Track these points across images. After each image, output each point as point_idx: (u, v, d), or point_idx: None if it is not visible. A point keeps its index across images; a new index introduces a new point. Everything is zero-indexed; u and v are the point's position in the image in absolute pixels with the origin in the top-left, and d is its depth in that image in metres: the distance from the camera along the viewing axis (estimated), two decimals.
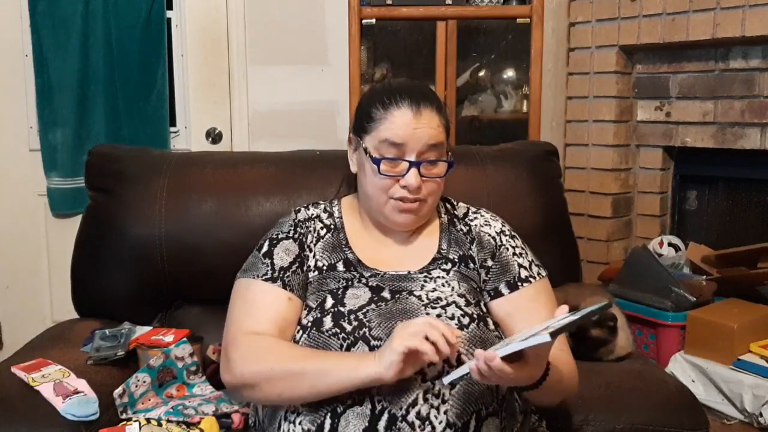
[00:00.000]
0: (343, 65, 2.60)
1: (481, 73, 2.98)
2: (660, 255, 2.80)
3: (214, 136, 2.90)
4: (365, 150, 1.29)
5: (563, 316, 1.07)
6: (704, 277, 2.69)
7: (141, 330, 1.58)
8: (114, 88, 2.73)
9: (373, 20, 2.53)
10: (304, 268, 1.31)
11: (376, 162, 1.27)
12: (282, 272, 1.29)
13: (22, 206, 2.78)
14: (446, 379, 1.10)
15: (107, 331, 1.55)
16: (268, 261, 1.30)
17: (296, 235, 1.34)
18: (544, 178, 1.82)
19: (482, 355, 1.02)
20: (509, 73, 2.98)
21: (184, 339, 1.51)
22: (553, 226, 1.79)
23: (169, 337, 1.52)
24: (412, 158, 1.26)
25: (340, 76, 2.67)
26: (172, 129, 2.85)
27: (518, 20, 2.57)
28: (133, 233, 1.68)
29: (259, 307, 1.26)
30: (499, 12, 2.65)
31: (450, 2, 2.58)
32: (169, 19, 2.80)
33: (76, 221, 1.82)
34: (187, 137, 2.89)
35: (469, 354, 1.18)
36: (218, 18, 2.85)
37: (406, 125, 1.27)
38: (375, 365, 1.09)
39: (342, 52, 2.63)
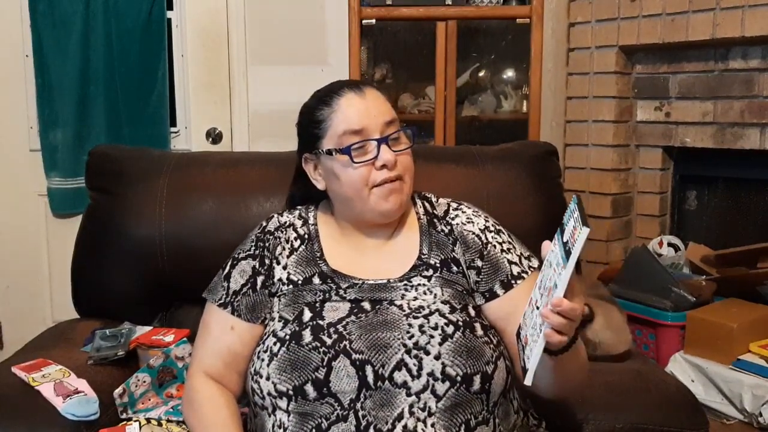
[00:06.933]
0: (343, 65, 2.61)
1: (481, 74, 2.98)
2: (660, 255, 2.80)
3: (214, 137, 2.91)
4: (329, 152, 1.27)
5: (554, 246, 1.03)
6: (704, 277, 2.69)
7: (141, 330, 1.58)
8: (114, 88, 2.73)
9: (373, 20, 2.53)
10: (258, 287, 1.29)
11: (346, 151, 1.24)
12: (234, 296, 1.29)
13: (22, 206, 2.78)
14: (528, 379, 1.02)
15: (107, 331, 1.55)
16: (225, 284, 1.31)
17: (257, 251, 1.32)
18: (544, 178, 1.81)
19: (548, 313, 0.97)
20: (509, 74, 2.98)
21: (185, 339, 1.51)
22: (552, 227, 1.79)
23: (169, 337, 1.52)
24: (377, 136, 1.25)
25: (340, 77, 2.62)
26: (173, 129, 2.86)
27: (518, 20, 2.58)
28: (133, 233, 1.68)
29: (211, 338, 1.30)
30: (499, 12, 2.65)
31: (450, 2, 2.58)
32: (169, 20, 2.80)
33: (76, 221, 1.82)
34: (188, 137, 2.90)
35: (455, 365, 1.15)
36: (218, 18, 2.85)
37: (357, 108, 1.26)
38: None
39: (342, 53, 2.63)
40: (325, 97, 1.29)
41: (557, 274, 0.99)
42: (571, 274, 0.96)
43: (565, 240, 0.99)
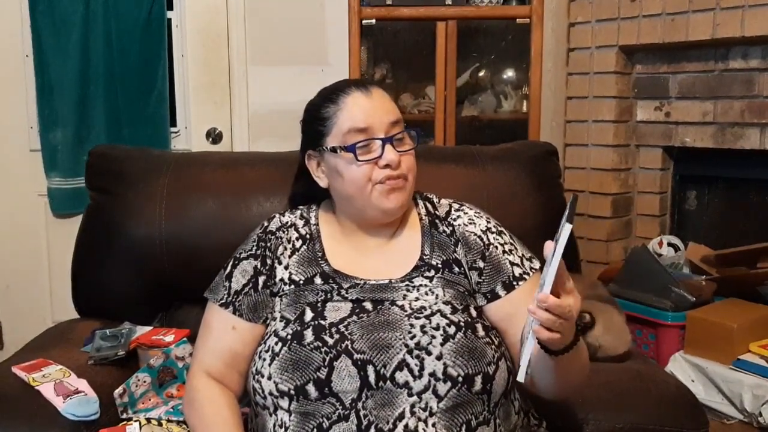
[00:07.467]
0: (343, 65, 2.61)
1: (481, 73, 2.98)
2: (660, 255, 2.80)
3: (214, 137, 2.91)
4: (333, 149, 1.27)
5: (552, 250, 1.03)
6: (704, 276, 2.69)
7: (141, 330, 1.58)
8: (114, 88, 2.73)
9: (373, 20, 2.54)
10: (260, 286, 1.29)
11: (351, 149, 1.24)
12: (235, 296, 1.29)
13: (22, 206, 2.78)
14: (520, 376, 1.03)
15: (107, 331, 1.55)
16: (227, 284, 1.31)
17: (259, 251, 1.32)
18: (544, 178, 1.81)
19: (534, 308, 0.99)
20: (509, 73, 2.98)
21: (185, 339, 1.51)
22: (552, 227, 1.79)
23: (169, 337, 1.52)
24: (381, 135, 1.25)
25: (340, 77, 2.61)
26: (173, 129, 2.86)
27: (518, 20, 2.58)
28: (133, 233, 1.68)
29: (212, 338, 1.30)
30: (499, 12, 2.65)
31: (450, 2, 2.58)
32: (169, 20, 2.80)
33: (76, 221, 1.82)
34: (188, 137, 2.90)
35: (456, 366, 1.15)
36: (218, 18, 2.85)
37: (363, 107, 1.26)
38: None
39: (342, 53, 2.63)
40: (332, 95, 1.29)
41: (545, 271, 1.00)
42: (558, 271, 0.97)
43: (556, 239, 1.00)
